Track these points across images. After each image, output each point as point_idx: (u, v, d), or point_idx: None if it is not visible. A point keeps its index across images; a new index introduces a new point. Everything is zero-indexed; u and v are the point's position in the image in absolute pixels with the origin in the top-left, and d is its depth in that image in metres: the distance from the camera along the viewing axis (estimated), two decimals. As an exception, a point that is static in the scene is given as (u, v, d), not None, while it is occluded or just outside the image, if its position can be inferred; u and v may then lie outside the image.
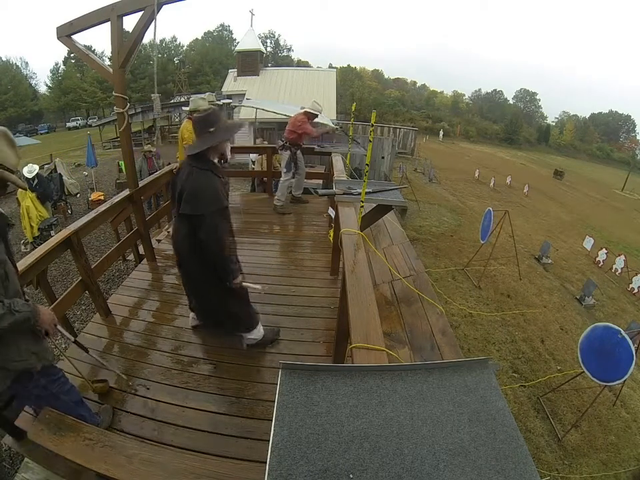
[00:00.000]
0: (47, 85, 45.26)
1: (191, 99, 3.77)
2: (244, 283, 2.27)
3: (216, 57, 48.47)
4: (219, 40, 54.81)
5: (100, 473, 1.16)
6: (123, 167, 9.40)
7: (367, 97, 49.38)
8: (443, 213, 11.87)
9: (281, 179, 5.03)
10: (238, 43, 21.49)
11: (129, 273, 4.05)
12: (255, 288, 2.34)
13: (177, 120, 22.94)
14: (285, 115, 10.30)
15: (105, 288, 4.98)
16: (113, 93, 3.10)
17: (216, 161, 2.17)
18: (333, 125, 11.38)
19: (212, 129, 1.96)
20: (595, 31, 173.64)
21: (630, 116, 62.78)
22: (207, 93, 4.97)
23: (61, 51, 53.71)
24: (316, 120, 5.32)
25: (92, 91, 41.72)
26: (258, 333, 2.52)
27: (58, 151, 18.46)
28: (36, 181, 7.29)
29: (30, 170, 7.31)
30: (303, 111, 4.79)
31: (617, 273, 9.38)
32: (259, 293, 2.43)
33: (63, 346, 3.74)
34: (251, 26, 19.24)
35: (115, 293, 3.44)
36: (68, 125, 39.59)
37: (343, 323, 1.88)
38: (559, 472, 3.86)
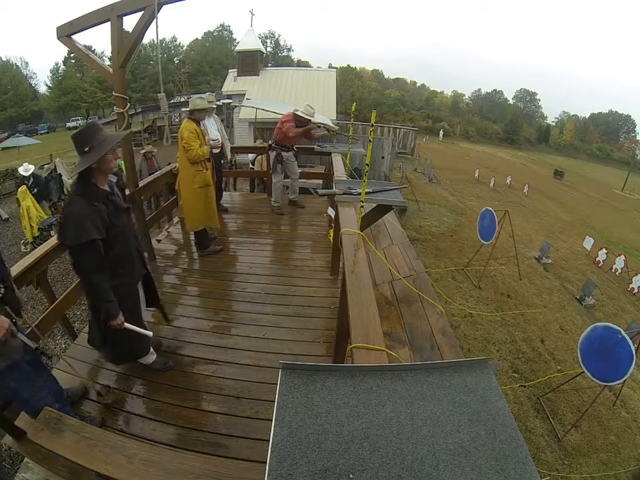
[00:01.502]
0: (47, 85, 45.29)
1: (190, 99, 3.72)
2: (127, 325, 1.95)
3: (216, 57, 48.46)
4: (219, 40, 54.79)
5: (100, 473, 1.16)
6: (123, 167, 9.40)
7: (367, 97, 49.35)
8: (443, 212, 11.86)
9: (273, 180, 5.03)
10: (238, 43, 21.47)
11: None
12: (145, 333, 2.08)
13: (176, 120, 22.92)
14: (285, 115, 10.31)
15: (105, 288, 4.97)
16: (113, 93, 3.10)
17: (114, 179, 1.94)
18: (332, 125, 11.37)
19: (87, 148, 1.72)
20: (595, 30, 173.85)
21: (630, 116, 62.78)
22: (207, 93, 4.93)
23: (61, 51, 53.71)
24: (316, 120, 5.27)
25: (92, 90, 41.70)
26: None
27: (58, 151, 18.44)
28: (31, 180, 7.31)
29: (26, 169, 7.37)
30: (293, 111, 4.67)
31: (617, 273, 9.38)
32: (149, 336, 2.15)
33: (63, 346, 3.74)
34: (251, 26, 19.22)
35: (115, 292, 3.43)
36: (68, 124, 39.48)
37: (343, 323, 1.88)
38: (558, 472, 3.86)
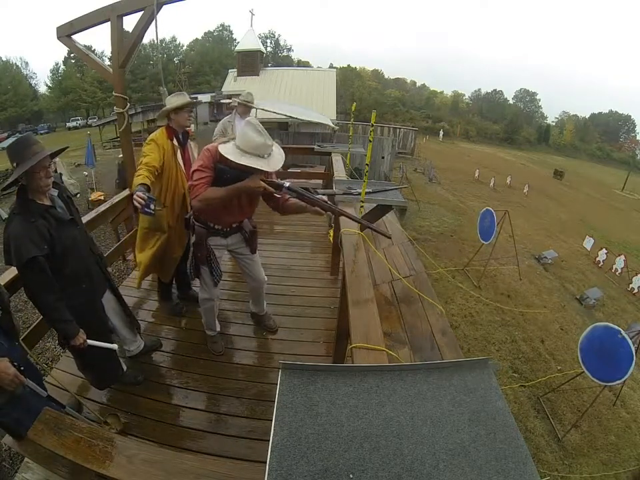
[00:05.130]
0: (47, 85, 45.25)
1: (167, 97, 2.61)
2: (89, 342, 1.85)
3: (216, 57, 48.42)
4: (219, 40, 54.76)
5: (100, 473, 1.16)
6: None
7: (367, 97, 49.31)
8: (443, 213, 11.87)
9: (199, 297, 2.47)
10: (238, 43, 21.49)
11: (128, 272, 4.05)
12: (109, 347, 1.96)
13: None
14: (285, 115, 10.30)
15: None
16: (113, 93, 3.10)
17: (55, 192, 1.80)
18: (332, 125, 11.36)
19: (15, 164, 1.62)
20: (596, 31, 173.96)
21: (630, 116, 62.83)
22: (246, 92, 4.11)
23: (61, 51, 53.67)
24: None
25: (92, 90, 41.68)
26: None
27: (58, 151, 18.41)
28: None
29: None
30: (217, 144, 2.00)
31: (617, 273, 9.39)
32: (113, 349, 2.02)
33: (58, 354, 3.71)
34: (251, 26, 19.26)
35: (115, 292, 3.42)
36: (68, 125, 39.58)
37: (343, 322, 1.88)
38: (559, 472, 3.86)
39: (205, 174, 1.92)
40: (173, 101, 2.46)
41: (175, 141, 2.46)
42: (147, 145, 2.36)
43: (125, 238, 3.78)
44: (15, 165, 1.62)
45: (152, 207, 1.93)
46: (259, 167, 1.79)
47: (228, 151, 1.84)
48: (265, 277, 2.59)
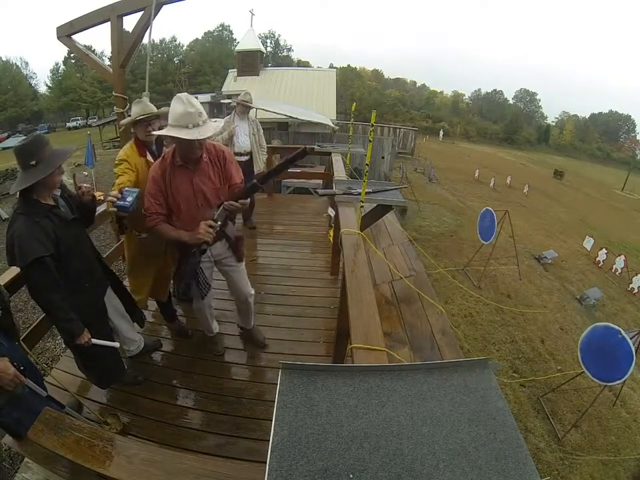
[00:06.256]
0: (47, 85, 45.23)
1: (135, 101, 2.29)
2: (94, 341, 1.85)
3: (216, 57, 48.40)
4: (219, 40, 54.74)
5: (100, 473, 1.16)
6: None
7: (367, 97, 49.32)
8: (443, 212, 11.86)
9: (193, 306, 2.40)
10: (238, 43, 21.51)
11: (129, 273, 4.05)
12: (112, 345, 1.98)
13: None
14: (285, 115, 10.30)
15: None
16: (113, 93, 3.11)
17: (57, 192, 1.78)
18: (332, 125, 11.36)
19: (33, 162, 1.59)
20: (596, 31, 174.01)
21: (630, 116, 62.84)
22: (244, 92, 4.09)
23: (61, 51, 53.64)
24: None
25: (92, 90, 41.66)
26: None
27: (58, 151, 18.39)
28: None
29: None
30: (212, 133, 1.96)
31: (617, 273, 9.39)
32: (116, 347, 2.03)
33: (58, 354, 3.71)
34: (251, 26, 19.25)
35: (115, 292, 3.42)
36: (68, 125, 39.55)
37: (343, 322, 1.88)
38: (559, 472, 3.85)
39: (155, 205, 1.93)
40: (133, 110, 2.21)
41: (148, 157, 2.24)
42: (119, 165, 2.15)
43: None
44: (33, 162, 1.60)
45: (129, 199, 1.85)
46: (182, 137, 1.74)
47: (161, 131, 1.92)
48: (252, 290, 2.43)
